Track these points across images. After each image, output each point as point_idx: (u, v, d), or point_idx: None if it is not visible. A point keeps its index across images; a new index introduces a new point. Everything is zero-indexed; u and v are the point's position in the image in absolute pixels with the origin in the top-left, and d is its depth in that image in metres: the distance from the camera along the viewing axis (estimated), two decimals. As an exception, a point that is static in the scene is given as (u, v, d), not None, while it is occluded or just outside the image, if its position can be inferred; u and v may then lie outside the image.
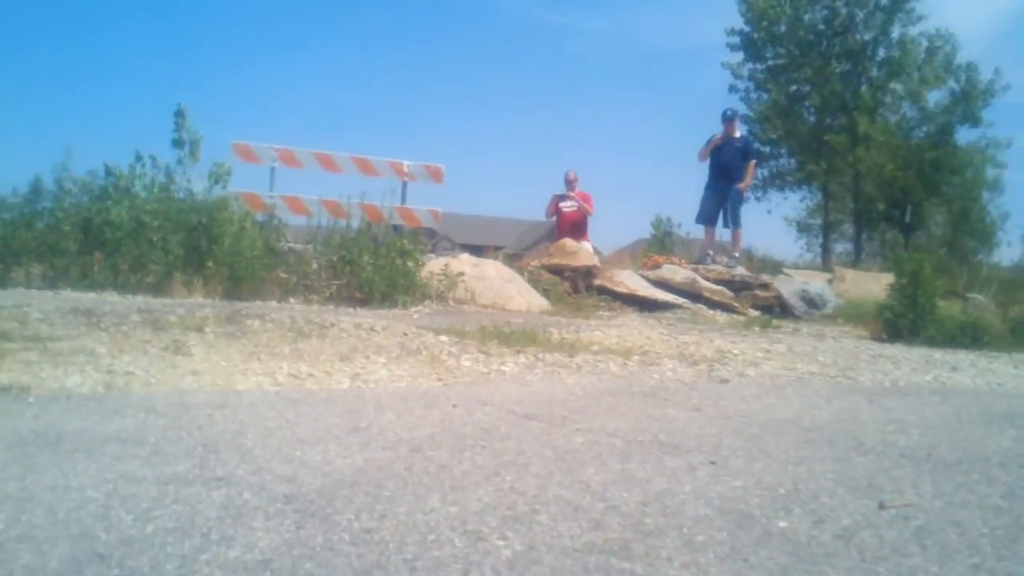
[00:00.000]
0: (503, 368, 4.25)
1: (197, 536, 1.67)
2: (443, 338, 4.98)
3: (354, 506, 1.88)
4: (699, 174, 10.19)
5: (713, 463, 2.42)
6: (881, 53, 23.12)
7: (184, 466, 2.16)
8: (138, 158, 6.65)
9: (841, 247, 26.84)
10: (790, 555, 1.71)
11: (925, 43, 23.07)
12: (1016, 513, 2.08)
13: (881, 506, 2.06)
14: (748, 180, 10.48)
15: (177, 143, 6.86)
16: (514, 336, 5.20)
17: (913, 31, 22.93)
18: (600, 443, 2.62)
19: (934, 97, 23.81)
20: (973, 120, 23.61)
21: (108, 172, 6.58)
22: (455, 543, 1.69)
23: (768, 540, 1.79)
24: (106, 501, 1.86)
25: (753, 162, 10.70)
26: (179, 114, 6.85)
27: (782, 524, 1.90)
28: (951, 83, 23.56)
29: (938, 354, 6.13)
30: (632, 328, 6.63)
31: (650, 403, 3.43)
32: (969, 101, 23.26)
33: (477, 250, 12.13)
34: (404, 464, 2.26)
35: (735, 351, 5.42)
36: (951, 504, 2.13)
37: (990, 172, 26.07)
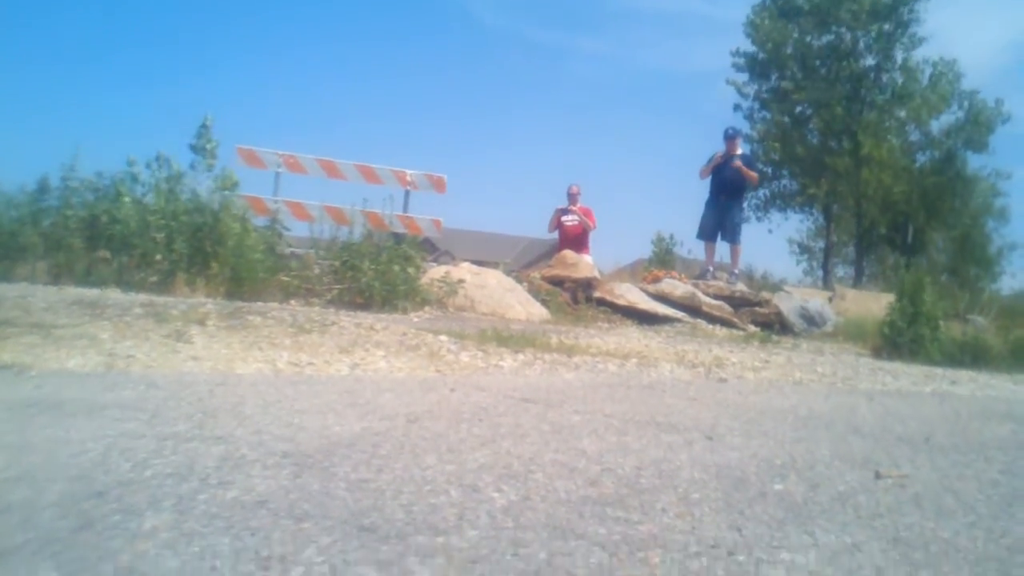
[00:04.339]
0: (501, 364, 4.25)
1: (195, 480, 1.68)
2: (442, 338, 4.99)
3: (351, 461, 1.89)
4: (700, 194, 10.21)
5: (710, 439, 2.42)
6: (884, 79, 23.27)
7: (183, 427, 2.16)
8: (157, 158, 6.72)
9: (842, 271, 26.81)
10: (786, 511, 1.71)
11: (929, 70, 23.22)
12: (1013, 486, 2.09)
13: (877, 475, 2.06)
14: (750, 175, 10.23)
15: (196, 149, 6.95)
16: (513, 339, 5.21)
17: (916, 56, 23.11)
18: (596, 421, 2.62)
19: (938, 123, 23.93)
20: (977, 147, 23.65)
21: (129, 164, 6.64)
22: (451, 493, 1.70)
23: (763, 499, 1.80)
24: (105, 451, 1.87)
25: (755, 174, 10.66)
26: (204, 126, 6.96)
27: (778, 487, 1.91)
28: (955, 110, 23.68)
29: (938, 371, 6.10)
30: (631, 337, 6.63)
31: (647, 393, 3.44)
32: (975, 127, 23.32)
33: (478, 265, 12.13)
34: (401, 431, 2.27)
35: (734, 359, 5.42)
36: (948, 476, 2.13)
37: (996, 201, 26.00)
